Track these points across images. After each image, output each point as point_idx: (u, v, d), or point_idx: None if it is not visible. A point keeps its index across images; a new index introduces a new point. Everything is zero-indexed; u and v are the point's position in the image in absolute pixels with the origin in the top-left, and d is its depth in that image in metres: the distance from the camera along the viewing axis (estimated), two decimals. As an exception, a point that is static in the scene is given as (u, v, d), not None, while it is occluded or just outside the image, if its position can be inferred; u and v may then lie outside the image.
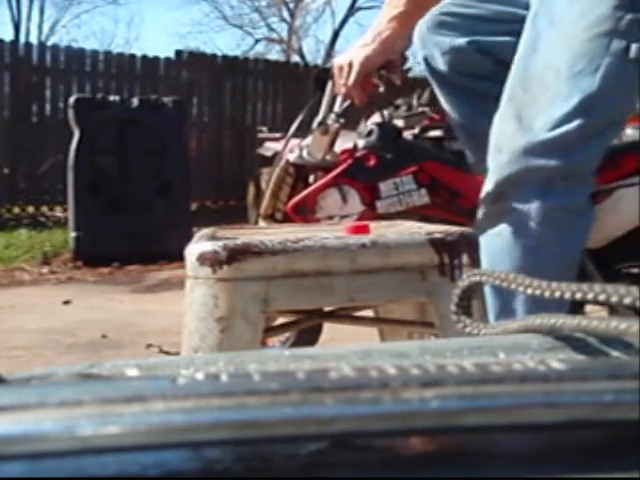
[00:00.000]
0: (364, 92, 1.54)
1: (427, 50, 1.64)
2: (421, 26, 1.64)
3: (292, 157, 1.87)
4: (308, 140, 1.85)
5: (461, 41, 1.59)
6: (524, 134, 1.34)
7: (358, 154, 1.91)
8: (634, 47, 1.28)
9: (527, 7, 1.44)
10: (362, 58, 1.43)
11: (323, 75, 1.78)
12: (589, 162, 1.34)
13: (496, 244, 1.37)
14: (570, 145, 1.31)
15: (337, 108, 1.79)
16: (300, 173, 1.91)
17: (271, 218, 1.91)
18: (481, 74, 1.61)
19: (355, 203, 1.88)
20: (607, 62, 1.30)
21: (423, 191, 1.89)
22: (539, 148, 1.32)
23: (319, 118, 1.80)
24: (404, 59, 1.59)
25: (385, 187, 1.88)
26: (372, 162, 1.90)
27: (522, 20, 1.42)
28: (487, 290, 1.36)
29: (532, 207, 1.34)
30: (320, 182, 1.88)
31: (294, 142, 2.00)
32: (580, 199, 1.36)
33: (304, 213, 1.85)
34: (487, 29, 1.56)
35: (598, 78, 1.30)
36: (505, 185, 1.36)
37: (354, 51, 1.46)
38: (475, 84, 1.63)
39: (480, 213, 1.43)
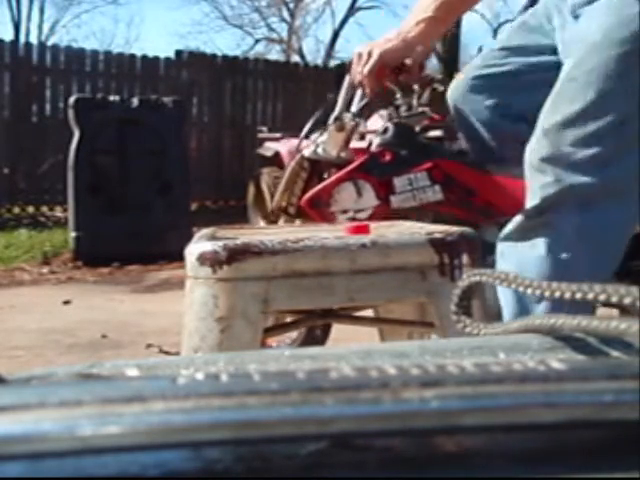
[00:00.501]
0: (377, 83, 1.56)
1: (459, 105, 1.71)
2: (453, 92, 1.70)
3: (307, 152, 1.89)
4: (323, 136, 1.86)
5: (490, 103, 1.65)
6: (561, 153, 1.38)
7: (373, 150, 1.93)
8: None
9: (554, 51, 1.48)
10: (382, 49, 1.46)
11: (342, 70, 1.80)
12: (626, 178, 1.36)
13: (529, 256, 1.41)
14: (605, 162, 1.34)
15: (354, 107, 1.81)
16: (315, 168, 1.93)
17: (285, 212, 1.93)
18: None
19: (370, 197, 1.90)
20: (636, 80, 1.32)
21: (437, 187, 1.90)
22: (578, 166, 1.37)
23: (335, 114, 1.82)
24: (423, 68, 1.61)
25: (400, 182, 1.90)
26: (387, 158, 1.92)
27: (548, 68, 1.46)
28: (502, 293, 1.39)
29: (570, 223, 1.37)
30: (336, 176, 1.90)
31: (294, 141, 2.02)
32: (618, 217, 1.38)
33: (319, 206, 1.87)
34: (513, 84, 1.60)
35: (627, 95, 1.33)
36: (549, 202, 1.40)
37: (376, 43, 1.48)
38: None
39: (516, 225, 1.47)
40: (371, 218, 1.86)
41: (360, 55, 1.51)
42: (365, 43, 1.55)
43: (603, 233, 1.37)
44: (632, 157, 1.35)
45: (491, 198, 1.92)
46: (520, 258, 1.42)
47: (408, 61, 1.59)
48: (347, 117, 1.80)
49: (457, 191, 1.92)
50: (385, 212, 1.90)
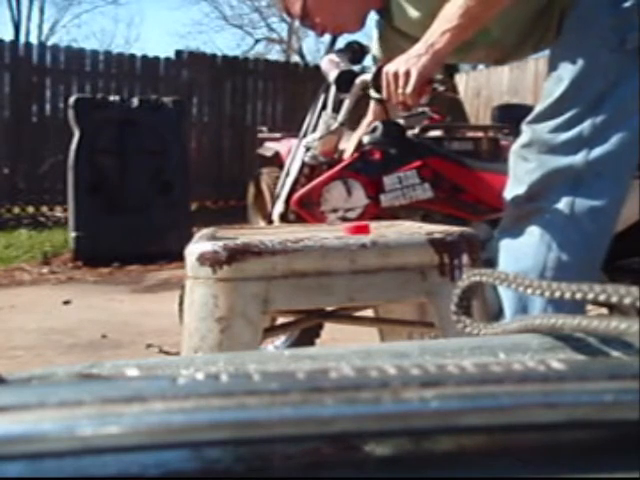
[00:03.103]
0: (419, 98, 1.56)
1: None
2: None
3: (307, 158, 1.90)
4: (315, 142, 1.88)
5: None
6: (543, 140, 1.42)
7: (363, 149, 1.95)
8: (630, 38, 1.33)
9: None
10: (420, 68, 1.45)
11: (348, 76, 1.79)
12: (609, 156, 1.38)
13: (525, 243, 1.44)
14: (585, 142, 1.37)
15: (343, 116, 1.83)
16: (313, 173, 1.94)
17: (283, 219, 1.94)
18: None
19: (360, 196, 1.91)
20: (606, 58, 1.36)
21: (427, 185, 1.92)
22: (560, 149, 1.40)
23: (340, 119, 1.83)
24: (431, 83, 1.60)
25: (389, 181, 1.92)
26: (377, 156, 1.94)
27: None
28: (503, 292, 1.41)
29: (561, 207, 1.40)
30: (325, 175, 1.90)
31: (293, 142, 2.02)
32: (605, 196, 1.40)
33: (309, 206, 1.88)
34: None
35: (600, 74, 1.37)
36: (536, 188, 1.43)
37: (410, 61, 1.46)
38: None
39: (508, 215, 1.50)
40: (361, 217, 1.88)
41: (396, 76, 1.49)
42: (393, 62, 1.51)
43: (592, 213, 1.39)
44: (611, 134, 1.37)
45: (480, 195, 1.95)
46: (518, 248, 1.45)
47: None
48: (338, 122, 1.82)
49: (446, 188, 1.95)
50: (375, 211, 1.92)
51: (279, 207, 1.94)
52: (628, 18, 1.35)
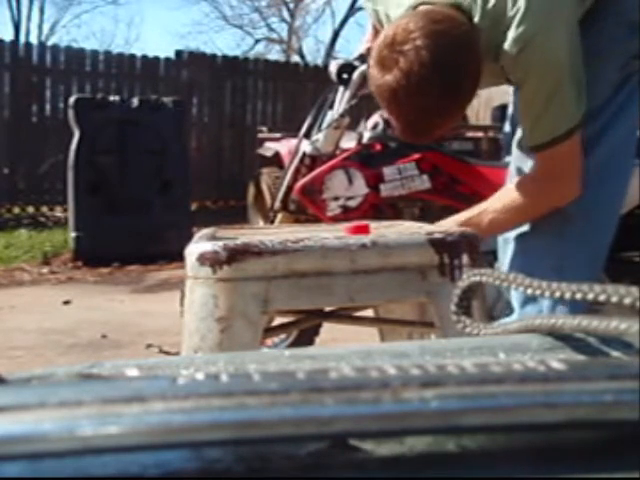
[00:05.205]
0: None
1: None
2: None
3: (308, 149, 1.94)
4: (321, 134, 1.93)
5: None
6: None
7: (364, 142, 2.01)
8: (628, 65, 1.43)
9: None
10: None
11: (346, 69, 1.84)
12: (613, 154, 1.44)
13: (531, 234, 1.49)
14: (590, 142, 1.41)
15: (342, 107, 1.87)
16: (315, 164, 1.99)
17: (284, 209, 1.98)
18: None
19: (360, 185, 1.97)
20: (614, 75, 1.43)
21: (425, 177, 1.99)
22: None
23: (340, 111, 1.87)
24: None
25: (389, 171, 1.98)
26: (377, 148, 2.00)
27: None
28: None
29: (570, 203, 1.44)
30: (328, 164, 1.96)
31: (292, 142, 2.08)
32: (609, 192, 1.46)
33: (311, 194, 1.93)
34: None
35: (606, 87, 1.43)
36: None
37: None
38: None
39: None
40: (361, 205, 1.94)
41: None
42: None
43: (597, 201, 1.45)
44: (610, 137, 1.43)
45: (477, 187, 1.99)
46: (526, 239, 1.49)
47: None
48: (338, 115, 1.87)
49: (444, 180, 2.01)
50: (375, 200, 1.97)
51: (281, 196, 1.99)
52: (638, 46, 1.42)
